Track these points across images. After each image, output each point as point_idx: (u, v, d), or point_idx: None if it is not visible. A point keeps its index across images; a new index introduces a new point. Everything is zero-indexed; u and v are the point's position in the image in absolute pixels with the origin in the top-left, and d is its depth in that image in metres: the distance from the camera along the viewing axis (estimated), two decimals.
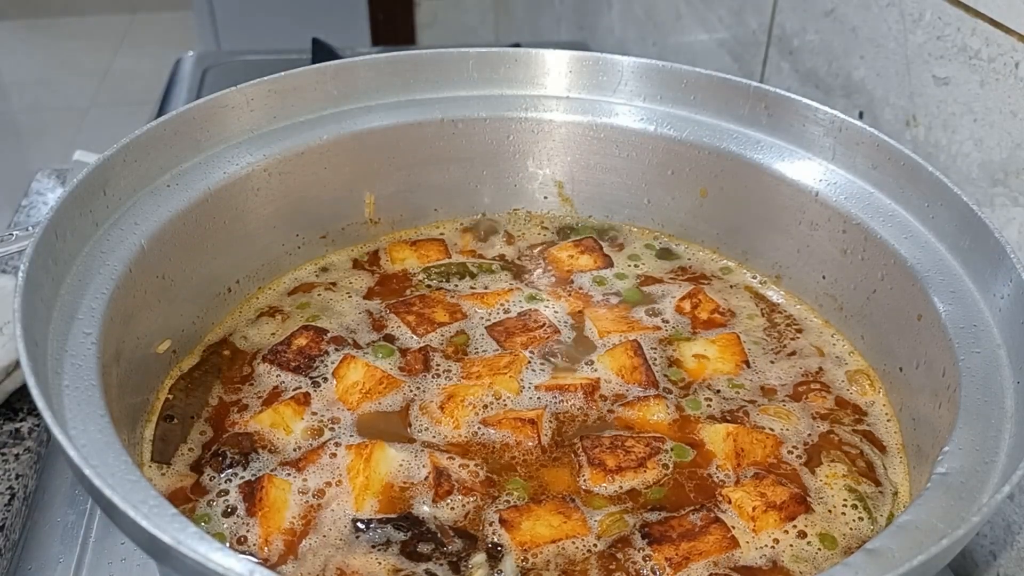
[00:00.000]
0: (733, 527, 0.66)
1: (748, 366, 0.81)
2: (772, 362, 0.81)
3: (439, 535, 0.64)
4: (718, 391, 0.78)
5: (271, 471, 0.68)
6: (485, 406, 0.74)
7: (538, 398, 0.75)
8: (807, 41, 1.09)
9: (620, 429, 0.74)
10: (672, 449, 0.71)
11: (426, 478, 0.68)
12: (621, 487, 0.69)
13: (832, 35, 1.03)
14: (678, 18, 1.49)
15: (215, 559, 0.46)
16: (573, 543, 0.65)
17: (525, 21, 2.69)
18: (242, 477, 0.69)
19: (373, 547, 0.64)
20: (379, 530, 0.65)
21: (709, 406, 0.76)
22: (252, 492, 0.66)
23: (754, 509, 0.67)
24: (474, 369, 0.78)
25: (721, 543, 0.64)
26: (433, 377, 0.78)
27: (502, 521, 0.65)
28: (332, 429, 0.73)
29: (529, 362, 0.79)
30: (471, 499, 0.67)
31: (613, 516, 0.66)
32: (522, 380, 0.77)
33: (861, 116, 0.99)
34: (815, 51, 1.07)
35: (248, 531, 0.65)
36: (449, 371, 0.78)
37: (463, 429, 0.73)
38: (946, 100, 0.85)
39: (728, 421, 0.74)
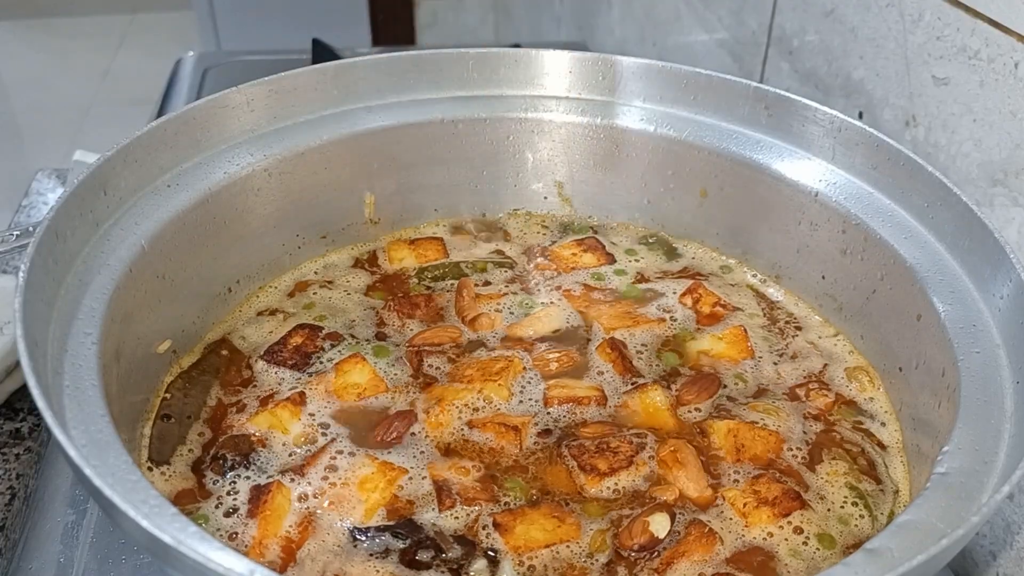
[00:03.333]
0: (709, 522, 0.66)
1: (752, 357, 0.81)
2: (775, 363, 0.81)
3: (438, 542, 0.64)
4: (725, 386, 0.78)
5: (277, 477, 0.68)
6: (475, 409, 0.74)
7: (548, 412, 0.75)
8: (807, 41, 1.09)
9: (622, 424, 0.74)
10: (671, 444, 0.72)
11: (429, 492, 0.68)
12: (617, 483, 0.69)
13: (832, 35, 1.03)
14: (678, 18, 1.49)
15: (215, 559, 0.47)
16: (568, 547, 0.65)
17: (525, 21, 2.69)
18: (247, 478, 0.69)
19: (371, 555, 0.64)
20: (377, 539, 0.64)
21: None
22: (259, 495, 0.66)
23: (745, 505, 0.67)
24: (467, 372, 0.78)
25: (699, 540, 0.64)
26: (426, 378, 0.78)
27: (496, 524, 0.65)
28: (325, 434, 0.72)
29: (525, 369, 0.79)
30: (474, 508, 0.67)
31: (599, 534, 0.66)
32: (513, 387, 0.77)
33: (861, 116, 0.99)
34: (815, 51, 1.07)
35: (244, 533, 0.65)
36: (443, 372, 0.78)
37: (447, 429, 0.73)
38: (946, 100, 0.85)
39: (726, 416, 0.75)
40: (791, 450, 0.73)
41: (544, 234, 0.97)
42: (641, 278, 0.91)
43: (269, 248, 0.88)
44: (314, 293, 0.87)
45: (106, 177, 0.71)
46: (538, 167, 0.97)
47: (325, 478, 0.68)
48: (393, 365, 0.79)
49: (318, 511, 0.66)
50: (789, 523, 0.67)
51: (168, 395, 0.75)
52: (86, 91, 3.87)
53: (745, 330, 0.83)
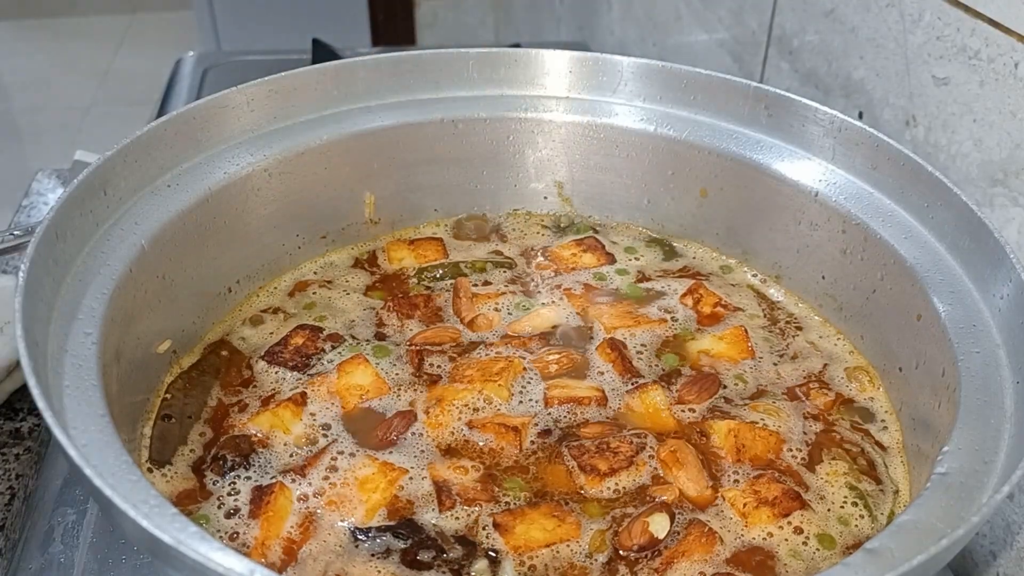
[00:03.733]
0: (709, 521, 0.66)
1: (752, 357, 0.81)
2: (775, 364, 0.81)
3: (440, 542, 0.64)
4: (725, 386, 0.78)
5: (278, 478, 0.68)
6: (475, 410, 0.74)
7: (548, 412, 0.75)
8: (807, 41, 1.09)
9: (622, 424, 0.74)
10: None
11: (429, 492, 0.68)
12: (617, 483, 0.69)
13: (832, 35, 1.03)
14: (678, 18, 1.49)
15: (216, 559, 0.47)
16: (568, 547, 0.65)
17: (525, 21, 2.69)
18: (247, 478, 0.68)
19: (373, 555, 0.64)
20: (379, 539, 0.64)
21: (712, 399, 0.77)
22: (261, 496, 0.66)
23: (745, 505, 0.67)
24: (467, 372, 0.78)
25: (699, 540, 0.64)
26: (426, 378, 0.78)
27: (496, 525, 0.65)
28: (326, 435, 0.72)
29: (525, 369, 0.78)
30: (475, 508, 0.67)
31: (599, 534, 0.66)
32: (513, 387, 0.77)
33: (861, 116, 0.98)
34: (815, 51, 1.07)
35: (246, 533, 0.65)
36: (443, 372, 0.78)
37: (447, 429, 0.73)
38: (946, 100, 0.85)
39: (726, 417, 0.75)
40: (791, 450, 0.73)
41: (544, 234, 0.97)
42: (642, 277, 0.91)
43: (269, 248, 0.88)
44: (314, 293, 0.87)
45: (106, 177, 0.71)
46: (538, 167, 0.97)
47: (326, 478, 0.68)
48: (394, 365, 0.79)
49: (319, 511, 0.66)
50: (789, 523, 0.67)
51: (168, 395, 0.75)
52: (86, 91, 3.87)
53: (746, 330, 0.83)
